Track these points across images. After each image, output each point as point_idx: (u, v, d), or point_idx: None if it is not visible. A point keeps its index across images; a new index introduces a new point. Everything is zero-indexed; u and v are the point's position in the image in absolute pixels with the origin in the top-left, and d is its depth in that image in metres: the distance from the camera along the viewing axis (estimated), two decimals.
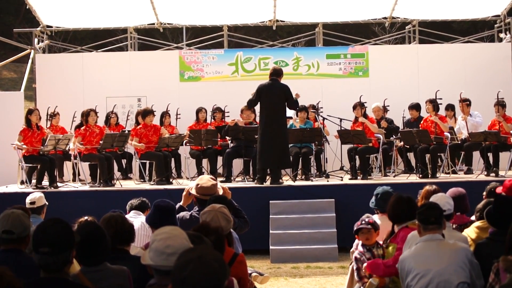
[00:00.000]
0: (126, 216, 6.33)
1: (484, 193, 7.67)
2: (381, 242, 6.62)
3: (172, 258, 3.66)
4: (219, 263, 3.01)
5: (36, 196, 8.24)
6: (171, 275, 3.04)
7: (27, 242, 4.81)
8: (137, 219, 7.20)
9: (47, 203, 8.37)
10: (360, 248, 6.64)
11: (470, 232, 6.34)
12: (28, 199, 8.19)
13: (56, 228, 4.04)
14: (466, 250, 5.39)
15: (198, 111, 15.37)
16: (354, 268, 6.58)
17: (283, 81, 12.90)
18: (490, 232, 5.71)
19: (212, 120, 15.34)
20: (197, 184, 6.81)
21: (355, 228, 6.71)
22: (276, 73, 12.83)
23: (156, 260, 3.79)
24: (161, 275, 3.80)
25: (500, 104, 13.88)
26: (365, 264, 6.32)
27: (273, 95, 12.59)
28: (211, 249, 3.18)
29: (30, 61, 17.74)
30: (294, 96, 12.84)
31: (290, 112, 14.25)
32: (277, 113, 12.62)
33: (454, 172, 14.13)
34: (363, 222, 6.62)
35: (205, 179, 6.88)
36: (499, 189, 7.35)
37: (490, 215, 5.75)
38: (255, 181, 12.99)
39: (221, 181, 13.20)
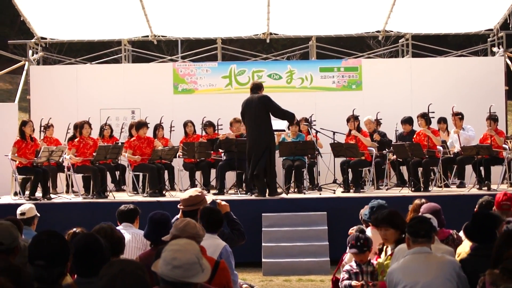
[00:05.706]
0: (117, 228, 6.35)
1: (476, 206, 7.68)
2: (373, 261, 6.59)
3: (176, 271, 3.75)
4: (140, 269, 3.03)
5: (26, 207, 8.24)
6: None
7: (16, 253, 4.83)
8: (128, 231, 7.20)
9: (38, 215, 8.36)
10: (352, 263, 6.65)
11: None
12: (18, 210, 8.20)
13: (52, 242, 4.12)
14: (454, 263, 5.42)
15: (185, 125, 15.42)
16: (343, 278, 6.58)
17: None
18: (472, 248, 5.74)
19: (204, 133, 15.34)
20: (180, 199, 6.88)
21: (349, 245, 6.69)
22: (256, 87, 13.06)
23: (163, 269, 3.84)
24: (166, 284, 3.84)
25: (492, 118, 13.94)
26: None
27: (252, 108, 12.77)
28: (126, 260, 3.18)
29: (24, 72, 17.78)
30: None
31: (282, 125, 14.30)
32: (257, 124, 12.76)
33: (446, 185, 14.15)
34: (359, 243, 6.54)
35: (187, 192, 6.93)
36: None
37: (469, 230, 5.79)
38: (256, 194, 12.97)
39: (214, 194, 13.26)
